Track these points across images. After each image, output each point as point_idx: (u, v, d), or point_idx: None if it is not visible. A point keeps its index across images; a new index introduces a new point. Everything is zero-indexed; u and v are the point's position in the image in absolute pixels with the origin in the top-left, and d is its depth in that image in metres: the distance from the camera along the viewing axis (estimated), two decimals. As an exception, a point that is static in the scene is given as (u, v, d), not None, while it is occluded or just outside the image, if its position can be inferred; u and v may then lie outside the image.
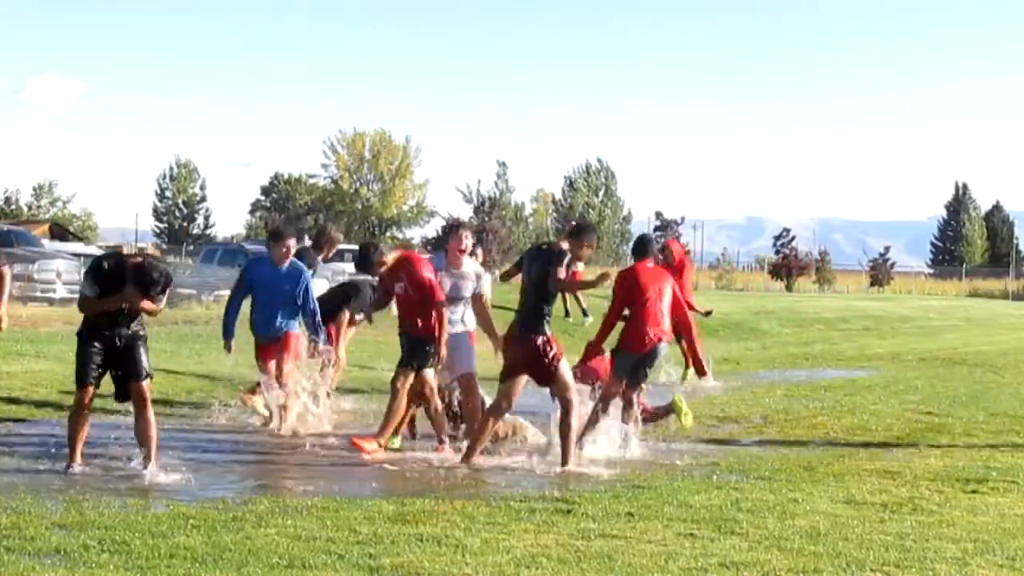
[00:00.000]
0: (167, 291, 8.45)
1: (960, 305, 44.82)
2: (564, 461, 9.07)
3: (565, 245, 9.41)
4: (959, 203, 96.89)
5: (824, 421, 12.26)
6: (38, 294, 25.66)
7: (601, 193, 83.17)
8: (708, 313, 18.43)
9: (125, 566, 5.69)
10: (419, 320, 9.63)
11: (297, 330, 10.99)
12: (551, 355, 9.12)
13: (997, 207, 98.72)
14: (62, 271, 26.93)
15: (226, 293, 11.06)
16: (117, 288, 8.23)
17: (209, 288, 27.15)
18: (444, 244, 10.39)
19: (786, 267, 57.44)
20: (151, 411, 8.41)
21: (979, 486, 8.55)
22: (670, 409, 11.20)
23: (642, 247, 10.82)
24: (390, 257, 9.72)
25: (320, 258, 11.92)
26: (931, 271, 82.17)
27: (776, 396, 14.37)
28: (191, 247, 60.36)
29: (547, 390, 9.62)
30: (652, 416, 11.28)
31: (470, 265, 10.23)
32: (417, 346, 9.67)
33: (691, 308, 13.28)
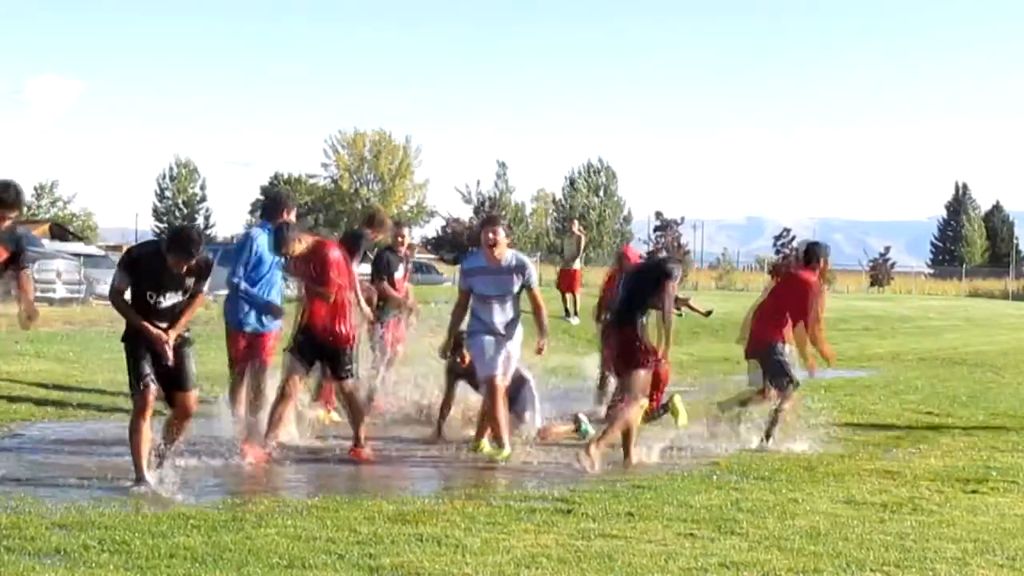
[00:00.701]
0: (207, 280, 8.03)
1: (960, 305, 44.82)
2: (601, 441, 9.17)
3: (678, 271, 9.79)
4: (959, 203, 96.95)
5: (824, 421, 12.25)
6: (38, 294, 25.57)
7: (601, 193, 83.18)
8: (708, 313, 18.42)
9: (125, 566, 5.69)
10: (328, 319, 9.08)
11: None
12: (643, 347, 9.41)
13: (997, 207, 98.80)
14: (62, 271, 26.94)
15: (226, 294, 10.60)
16: (151, 278, 7.75)
17: (209, 288, 27.09)
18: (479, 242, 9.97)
19: (786, 267, 57.44)
20: (190, 423, 8.11)
21: (979, 486, 8.56)
22: (666, 407, 11.38)
23: (804, 255, 10.95)
24: (306, 241, 9.16)
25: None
26: (931, 271, 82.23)
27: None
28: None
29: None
30: (648, 416, 11.38)
31: (512, 256, 9.79)
32: (326, 352, 9.16)
33: None
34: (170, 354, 7.77)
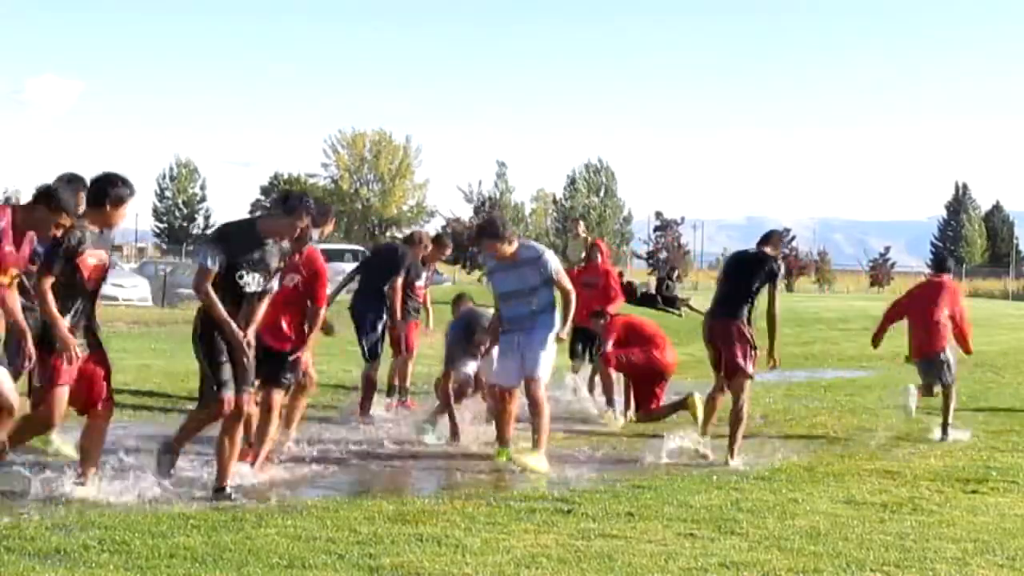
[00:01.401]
0: (279, 275, 7.70)
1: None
2: (730, 455, 9.47)
3: (770, 251, 10.03)
4: (959, 203, 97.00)
5: (824, 421, 12.26)
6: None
7: (601, 193, 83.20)
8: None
9: (125, 566, 5.69)
10: (284, 324, 8.51)
11: None
12: (746, 346, 9.71)
13: (997, 207, 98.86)
14: (62, 271, 26.90)
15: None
16: (244, 254, 7.37)
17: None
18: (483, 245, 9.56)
19: (786, 267, 57.45)
20: (240, 427, 7.64)
21: (979, 486, 8.56)
22: (682, 406, 11.45)
23: (935, 264, 12.79)
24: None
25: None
26: (931, 271, 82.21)
27: (776, 396, 14.35)
28: (191, 247, 60.42)
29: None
30: (662, 411, 11.53)
31: (522, 248, 9.32)
32: (268, 356, 8.25)
33: (605, 311, 13.28)
34: (251, 356, 7.48)
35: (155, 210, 79.05)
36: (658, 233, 59.81)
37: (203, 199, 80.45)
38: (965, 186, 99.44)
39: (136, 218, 76.28)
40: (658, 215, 62.08)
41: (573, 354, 13.52)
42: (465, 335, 10.59)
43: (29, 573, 5.53)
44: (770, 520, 7.19)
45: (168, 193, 79.27)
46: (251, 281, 7.48)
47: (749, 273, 9.98)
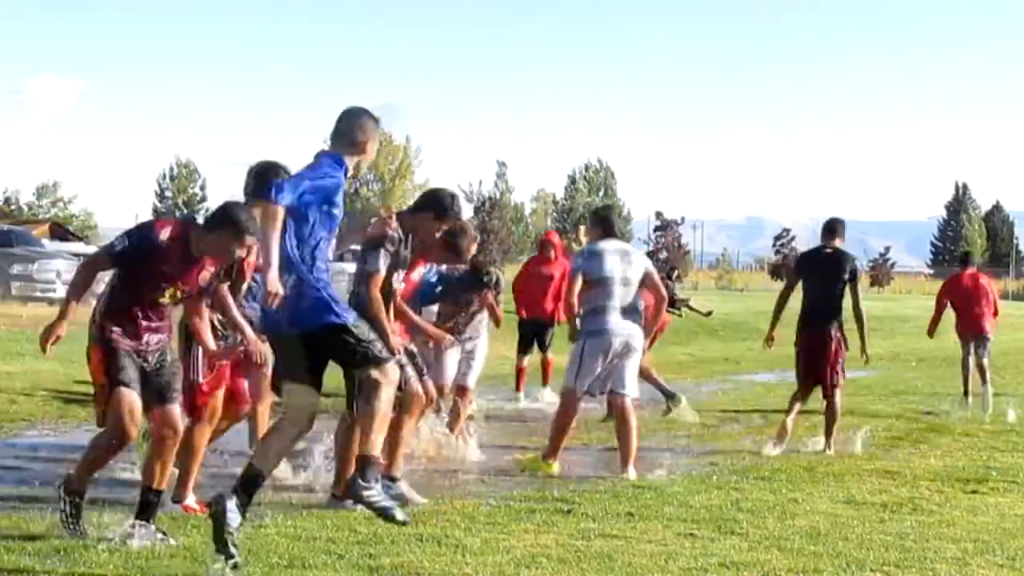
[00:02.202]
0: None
1: (960, 305, 44.74)
2: (827, 446, 10.14)
3: (839, 243, 10.50)
4: (959, 203, 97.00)
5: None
6: (38, 294, 25.65)
7: (601, 193, 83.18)
8: (709, 313, 18.42)
9: (125, 566, 5.69)
10: None
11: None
12: (840, 352, 10.22)
13: (997, 207, 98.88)
14: (62, 271, 26.93)
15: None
16: (401, 259, 7.18)
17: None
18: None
19: (786, 267, 57.50)
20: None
21: (979, 486, 8.56)
22: (671, 398, 11.70)
23: (963, 261, 15.59)
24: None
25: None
26: (931, 271, 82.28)
27: (776, 396, 14.35)
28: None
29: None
30: (654, 381, 11.87)
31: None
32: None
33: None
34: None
35: (155, 210, 78.94)
36: (658, 233, 59.75)
37: (203, 199, 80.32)
38: (965, 186, 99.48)
39: (136, 218, 76.33)
40: (658, 215, 62.00)
41: (522, 347, 13.72)
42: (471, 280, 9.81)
43: (29, 573, 5.53)
44: (770, 520, 7.19)
45: (168, 193, 79.17)
46: (397, 279, 7.34)
47: (832, 275, 10.10)
